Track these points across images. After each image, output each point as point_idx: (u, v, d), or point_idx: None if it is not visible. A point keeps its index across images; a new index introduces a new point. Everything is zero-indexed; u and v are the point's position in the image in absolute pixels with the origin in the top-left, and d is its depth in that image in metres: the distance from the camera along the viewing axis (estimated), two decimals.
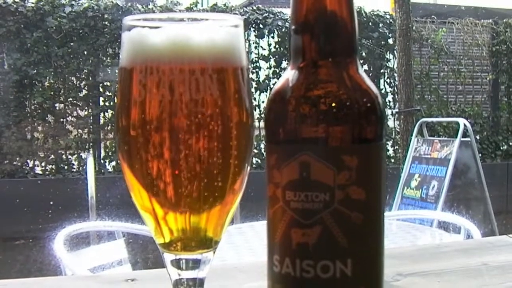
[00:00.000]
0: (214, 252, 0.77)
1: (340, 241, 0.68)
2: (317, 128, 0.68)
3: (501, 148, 11.30)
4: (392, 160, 10.46)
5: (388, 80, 10.76)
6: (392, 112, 10.53)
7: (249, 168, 0.76)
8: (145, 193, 0.73)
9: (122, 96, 0.74)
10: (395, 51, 9.90)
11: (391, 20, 10.45)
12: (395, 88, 10.23)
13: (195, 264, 0.75)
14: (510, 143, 11.48)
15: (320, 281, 0.68)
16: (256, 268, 1.11)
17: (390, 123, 10.75)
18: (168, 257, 0.76)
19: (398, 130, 10.04)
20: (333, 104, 0.69)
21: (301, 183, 0.68)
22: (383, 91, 10.70)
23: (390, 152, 10.73)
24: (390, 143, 10.74)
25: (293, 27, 0.73)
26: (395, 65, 9.94)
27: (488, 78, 11.59)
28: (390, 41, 10.60)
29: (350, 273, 0.68)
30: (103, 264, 3.39)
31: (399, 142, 9.67)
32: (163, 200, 0.72)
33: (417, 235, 3.84)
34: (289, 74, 0.72)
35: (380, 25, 10.64)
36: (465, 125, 6.79)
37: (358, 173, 0.68)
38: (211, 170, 0.71)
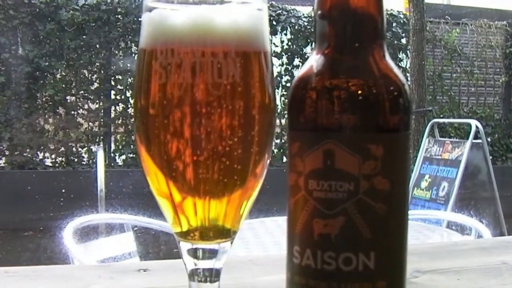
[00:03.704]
0: (231, 243, 0.75)
1: (363, 233, 0.66)
2: (342, 116, 0.66)
3: None
4: None
5: None
6: None
7: (270, 156, 0.74)
8: (162, 176, 0.71)
9: (141, 78, 0.72)
10: (408, 51, 9.86)
11: (404, 20, 10.40)
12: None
13: (212, 254, 0.73)
14: None
15: (342, 274, 0.66)
16: (271, 261, 1.09)
17: None
18: (184, 246, 0.74)
19: None
20: (359, 92, 0.66)
21: (324, 172, 0.66)
22: None
23: None
24: None
25: (318, 12, 0.71)
26: (408, 65, 9.89)
27: (500, 80, 11.53)
28: (403, 40, 10.56)
29: (373, 266, 0.66)
30: (111, 256, 3.38)
31: (410, 142, 9.64)
32: (181, 184, 0.70)
33: (428, 235, 3.81)
34: (314, 60, 0.70)
35: (394, 24, 10.59)
36: (477, 127, 6.75)
37: (384, 163, 0.65)
38: (232, 153, 0.69)
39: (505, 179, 9.26)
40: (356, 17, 0.69)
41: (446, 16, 11.22)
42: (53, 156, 9.22)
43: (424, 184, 6.79)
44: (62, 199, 8.07)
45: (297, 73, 0.71)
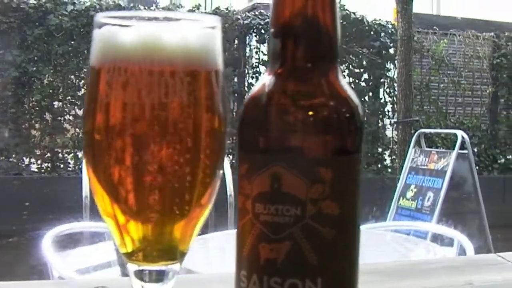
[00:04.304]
0: (181, 264, 0.73)
1: (310, 259, 0.64)
2: (290, 138, 0.65)
3: (499, 161, 11.26)
4: (389, 170, 10.42)
5: (387, 90, 10.71)
6: (390, 122, 10.50)
7: (219, 179, 0.72)
8: (107, 199, 0.69)
9: (89, 98, 0.70)
10: (395, 61, 9.87)
11: (393, 30, 10.41)
12: (395, 98, 10.19)
13: (159, 276, 0.72)
14: (508, 157, 11.44)
15: None
16: (222, 279, 1.06)
17: (388, 132, 10.72)
18: (131, 267, 0.72)
19: (395, 140, 10.02)
20: (308, 113, 0.65)
21: (271, 195, 0.64)
22: (382, 101, 10.67)
23: (387, 161, 10.69)
24: (387, 152, 10.70)
25: (272, 30, 0.69)
26: (395, 75, 9.91)
27: (487, 91, 11.55)
28: (391, 50, 10.56)
29: None
30: (91, 265, 3.35)
31: (396, 152, 9.64)
32: (125, 208, 0.68)
33: (409, 248, 3.80)
34: (266, 80, 0.68)
35: (382, 34, 10.61)
36: (463, 137, 6.76)
37: (332, 186, 0.64)
38: (175, 181, 0.68)
39: (491, 190, 9.27)
40: (309, 37, 0.68)
41: (434, 27, 11.24)
42: (39, 161, 9.18)
43: (409, 194, 6.80)
44: (44, 206, 8.01)
45: (249, 93, 0.69)
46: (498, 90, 11.56)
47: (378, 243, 3.93)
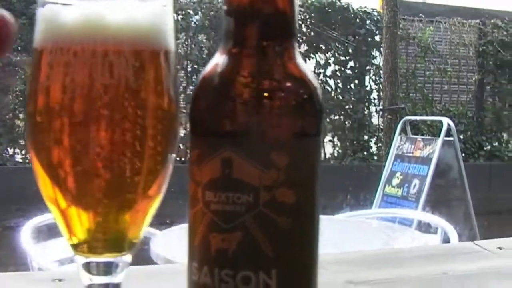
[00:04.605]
0: (131, 255, 0.69)
1: (264, 249, 0.60)
2: (242, 120, 0.61)
3: (485, 148, 11.27)
4: (375, 158, 10.41)
5: (373, 77, 10.69)
6: (376, 109, 10.49)
7: (170, 166, 0.68)
8: (49, 183, 0.65)
9: (31, 80, 0.66)
10: (381, 48, 9.85)
11: (378, 17, 10.38)
12: (380, 86, 10.17)
13: (107, 268, 0.67)
14: (494, 144, 11.45)
15: None
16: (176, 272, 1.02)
17: (374, 120, 10.70)
18: (78, 259, 0.68)
19: (381, 127, 10.00)
20: (260, 94, 0.61)
21: (222, 182, 0.60)
22: (368, 88, 10.65)
23: (373, 149, 10.68)
24: (373, 140, 10.68)
25: (224, 7, 0.65)
26: (381, 63, 9.88)
27: (474, 78, 11.55)
28: (377, 38, 10.53)
29: (275, 286, 0.61)
30: (70, 256, 3.30)
31: (382, 140, 9.63)
32: (66, 195, 0.64)
33: (392, 236, 3.77)
34: (218, 60, 0.64)
35: (367, 21, 10.57)
36: (448, 124, 6.75)
37: (288, 172, 0.60)
38: (118, 169, 0.63)
39: (477, 177, 9.27)
40: (264, 14, 0.64)
41: (420, 14, 11.21)
42: (23, 152, 9.11)
43: (395, 181, 6.79)
44: (30, 197, 7.94)
45: (201, 73, 0.65)
46: (484, 77, 11.56)
47: (361, 231, 3.91)
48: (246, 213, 0.60)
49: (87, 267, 0.67)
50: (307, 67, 0.65)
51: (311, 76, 0.64)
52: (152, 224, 0.71)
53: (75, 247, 0.67)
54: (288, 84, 0.62)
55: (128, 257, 0.69)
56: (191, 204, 0.63)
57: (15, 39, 0.52)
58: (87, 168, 0.62)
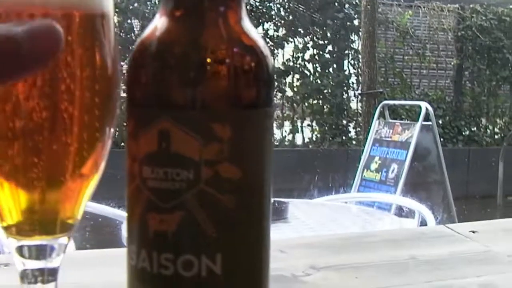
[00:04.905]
0: (69, 238, 0.63)
1: (206, 231, 0.54)
2: (180, 88, 0.54)
3: (463, 133, 11.29)
4: (354, 142, 10.39)
5: (352, 62, 10.66)
6: (355, 93, 10.46)
7: (108, 144, 0.62)
8: None
9: None
10: (360, 33, 9.81)
11: (357, 1, 10.33)
12: (359, 70, 10.14)
13: (41, 251, 0.61)
14: (472, 129, 11.48)
15: (182, 280, 0.54)
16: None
17: (353, 104, 10.68)
18: (11, 243, 0.62)
19: (360, 112, 9.98)
20: (200, 59, 0.54)
21: (159, 156, 0.54)
22: (346, 73, 10.62)
23: (352, 133, 10.66)
24: (352, 124, 10.67)
25: None
26: (360, 47, 9.85)
27: (452, 63, 11.56)
28: (356, 22, 10.50)
29: (219, 271, 0.55)
30: None
31: (361, 124, 9.62)
32: None
33: (368, 220, 3.73)
34: (157, 22, 0.58)
35: (346, 6, 10.53)
36: (427, 109, 6.76)
37: (232, 146, 0.54)
38: (44, 143, 0.57)
39: (456, 162, 9.29)
40: None
41: None
42: None
43: (374, 166, 6.78)
44: None
45: (140, 37, 0.59)
46: (463, 62, 11.57)
47: (338, 215, 3.87)
48: (187, 191, 0.54)
49: (20, 251, 0.61)
50: (256, 32, 0.59)
51: (260, 42, 0.58)
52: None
53: (6, 229, 0.61)
54: (232, 49, 0.56)
55: (64, 240, 0.63)
56: (128, 181, 0.57)
57: (59, 51, 0.47)
58: (9, 142, 0.56)
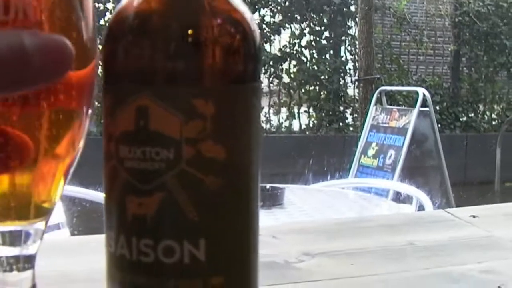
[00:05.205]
0: (45, 223, 0.59)
1: (188, 215, 0.50)
2: (158, 62, 0.51)
3: (461, 119, 11.26)
4: (351, 128, 10.36)
5: (349, 48, 10.61)
6: (352, 79, 10.43)
7: (84, 125, 0.57)
8: None
9: None
10: (356, 19, 9.76)
11: None
12: (356, 56, 10.09)
13: (15, 237, 0.57)
14: (470, 115, 11.45)
15: (163, 267, 0.51)
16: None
17: (350, 90, 10.65)
18: None
19: (357, 98, 9.94)
20: (182, 32, 0.51)
21: (137, 135, 0.50)
22: (343, 59, 10.57)
23: (349, 120, 10.63)
24: (349, 111, 10.63)
25: None
26: (357, 33, 9.80)
27: (450, 49, 11.51)
28: (352, 8, 10.44)
29: (203, 258, 0.51)
30: None
31: (358, 110, 9.58)
32: None
33: (365, 205, 3.70)
34: None
35: None
36: (424, 95, 6.73)
37: (215, 123, 0.50)
38: (13, 122, 0.53)
39: (453, 148, 9.26)
40: None
41: None
42: None
43: (371, 152, 6.76)
44: None
45: (116, 7, 0.55)
46: (460, 48, 11.53)
47: (335, 201, 3.84)
48: (167, 172, 0.50)
49: None
50: (243, 3, 0.55)
51: (247, 15, 0.54)
52: None
53: None
54: (217, 20, 0.52)
55: (40, 225, 0.59)
56: (105, 162, 0.53)
57: (69, 70, 0.44)
58: None
